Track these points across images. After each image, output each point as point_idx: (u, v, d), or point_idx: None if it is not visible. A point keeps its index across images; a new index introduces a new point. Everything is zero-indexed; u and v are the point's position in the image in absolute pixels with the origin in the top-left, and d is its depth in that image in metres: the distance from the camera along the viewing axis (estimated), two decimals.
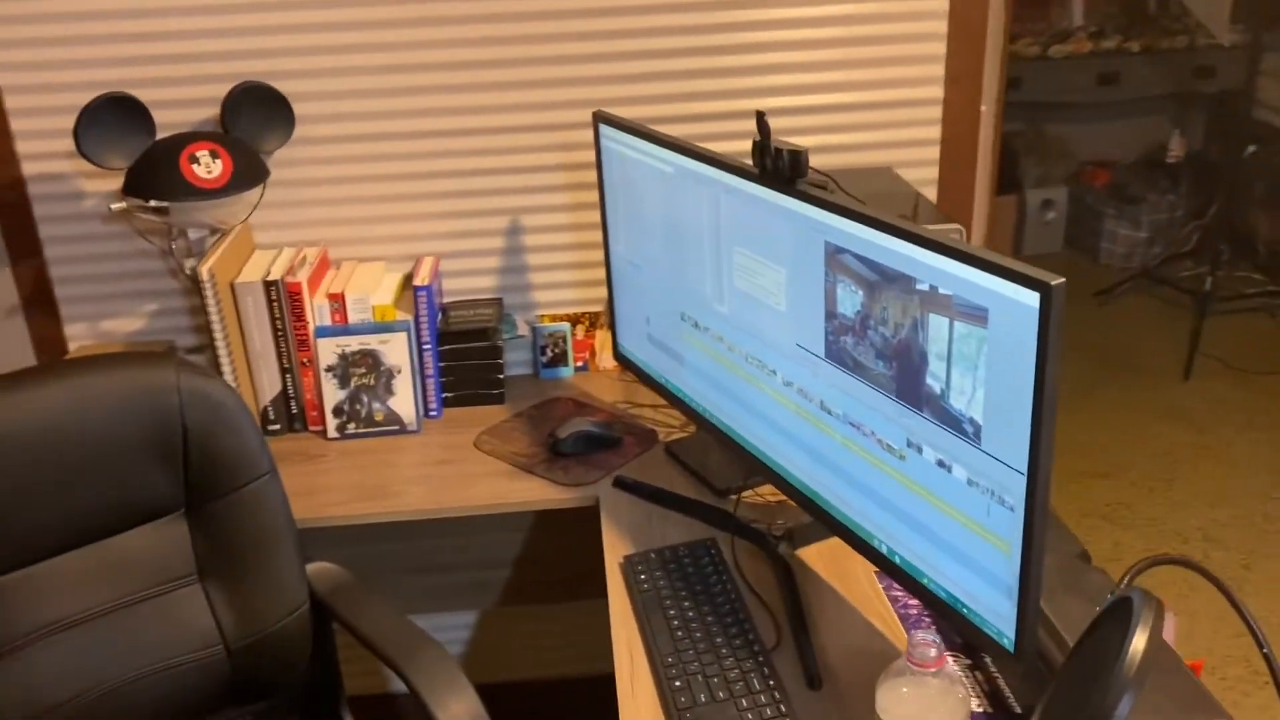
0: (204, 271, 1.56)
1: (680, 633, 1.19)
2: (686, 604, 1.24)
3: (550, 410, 1.76)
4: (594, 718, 2.16)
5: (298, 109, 1.69)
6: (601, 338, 1.88)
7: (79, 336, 1.80)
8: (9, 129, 1.67)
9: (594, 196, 1.80)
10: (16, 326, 1.78)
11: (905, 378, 1.03)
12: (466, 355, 1.75)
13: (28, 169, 1.70)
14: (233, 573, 1.36)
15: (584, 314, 1.87)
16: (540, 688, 2.15)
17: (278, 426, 1.71)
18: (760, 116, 1.11)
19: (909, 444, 1.05)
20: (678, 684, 1.12)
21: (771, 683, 1.11)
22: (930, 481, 1.03)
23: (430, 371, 1.73)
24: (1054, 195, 4.55)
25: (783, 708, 1.08)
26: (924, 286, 0.98)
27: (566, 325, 1.87)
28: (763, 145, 1.13)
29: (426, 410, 1.75)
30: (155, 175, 1.52)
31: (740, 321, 1.30)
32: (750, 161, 1.21)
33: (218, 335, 1.60)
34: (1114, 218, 4.45)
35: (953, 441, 0.99)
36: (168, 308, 1.80)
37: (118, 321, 1.80)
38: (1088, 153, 4.72)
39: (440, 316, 1.78)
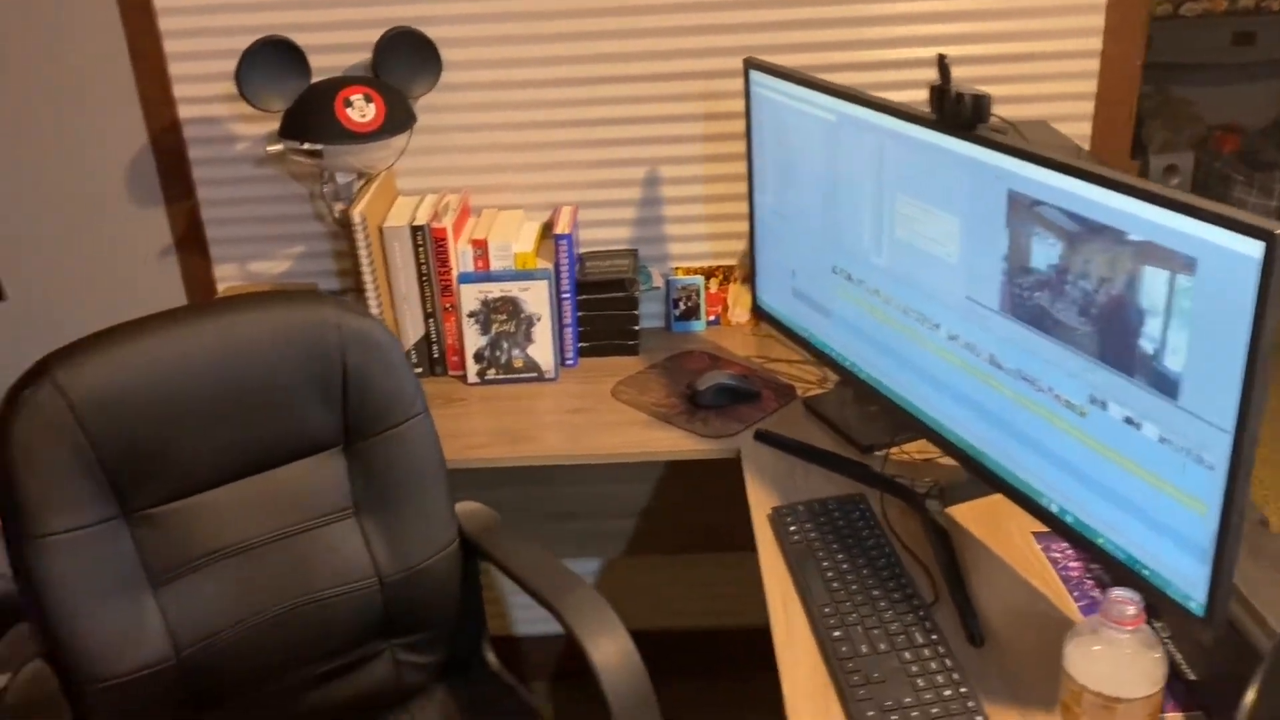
0: (355, 215, 1.59)
1: (835, 584, 1.19)
2: (840, 556, 1.23)
3: (684, 363, 1.75)
4: (724, 668, 2.18)
5: (444, 55, 1.70)
6: (735, 292, 1.87)
7: (227, 277, 1.86)
8: (167, 73, 1.72)
9: (732, 148, 1.78)
10: (169, 266, 1.84)
11: (1107, 333, 1.00)
12: (603, 305, 1.76)
13: (184, 112, 1.75)
14: (387, 508, 1.39)
15: (718, 268, 1.86)
16: (664, 638, 2.17)
17: (420, 370, 1.74)
18: (942, 60, 1.08)
19: (1092, 400, 1.02)
20: (837, 634, 1.12)
21: (934, 637, 1.10)
22: (1114, 439, 1.00)
23: (568, 320, 1.74)
24: (1179, 160, 4.37)
25: (948, 662, 1.07)
26: (1137, 238, 0.94)
27: (700, 279, 1.86)
28: (942, 89, 1.09)
29: (563, 359, 1.76)
30: (310, 118, 1.55)
31: (900, 273, 1.28)
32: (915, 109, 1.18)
33: (367, 278, 1.64)
34: (1243, 185, 4.26)
35: (1146, 398, 0.96)
36: (312, 251, 1.84)
37: (264, 263, 1.85)
38: (1216, 117, 4.51)
39: (577, 266, 1.78)
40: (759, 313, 1.68)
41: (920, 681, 1.05)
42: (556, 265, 1.71)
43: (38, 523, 1.18)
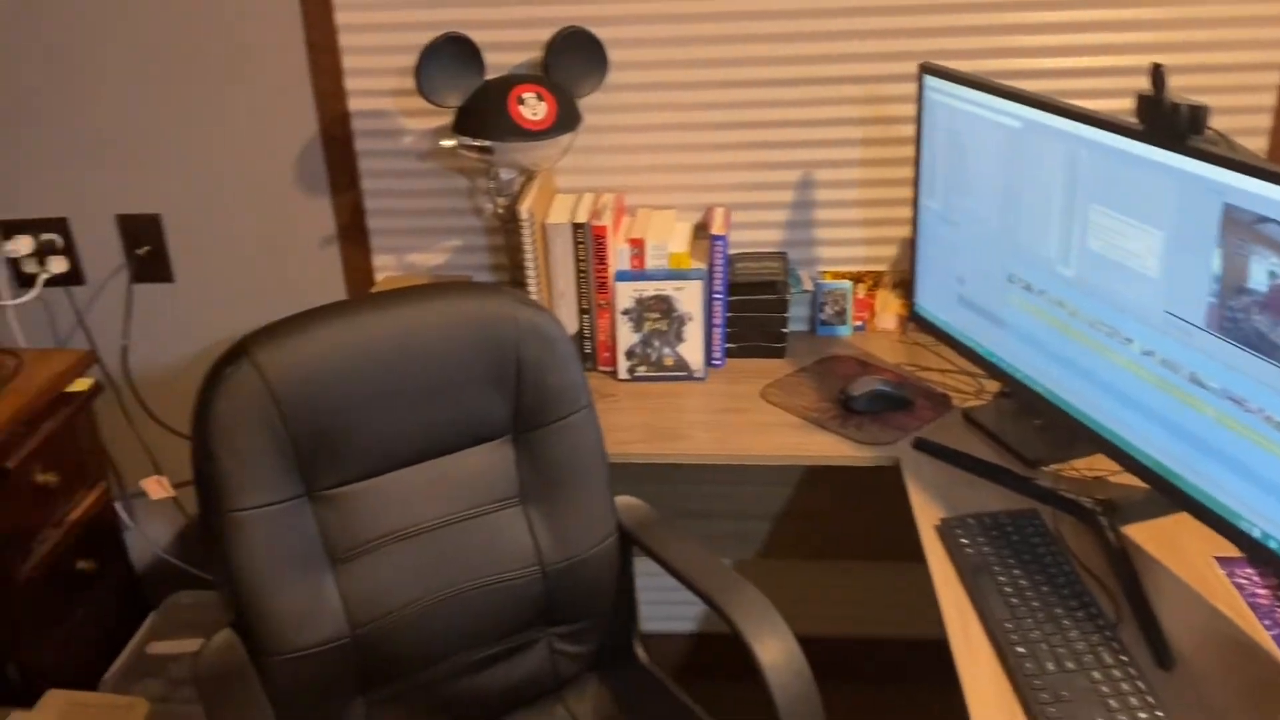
0: (523, 211, 1.62)
1: (1014, 600, 1.17)
2: (1016, 571, 1.21)
3: (833, 368, 1.75)
4: (873, 676, 2.17)
5: (611, 55, 1.72)
6: (883, 298, 1.86)
7: (385, 268, 1.91)
8: (341, 66, 1.77)
9: (889, 152, 1.77)
10: (331, 256, 1.90)
11: None
12: (753, 307, 1.76)
13: (354, 105, 1.80)
14: (551, 498, 1.41)
15: (867, 273, 1.85)
16: (809, 643, 2.16)
17: None
18: (1157, 69, 1.06)
19: None
20: (1020, 650, 1.10)
21: (1124, 658, 1.08)
22: None
23: (717, 321, 1.75)
24: None
25: (1140, 684, 1.04)
26: None
27: (848, 283, 1.85)
28: (1155, 99, 1.07)
29: (710, 358, 1.77)
30: (484, 115, 1.59)
31: (1090, 285, 1.25)
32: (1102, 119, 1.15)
33: (530, 273, 1.67)
34: None
35: None
36: (468, 245, 1.89)
37: (421, 255, 1.90)
38: None
39: (728, 267, 1.79)
40: (917, 319, 1.67)
41: (1113, 703, 1.03)
42: (710, 266, 1.71)
43: (234, 497, 1.23)
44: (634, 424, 1.62)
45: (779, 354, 1.79)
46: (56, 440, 1.70)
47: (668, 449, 1.56)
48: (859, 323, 1.88)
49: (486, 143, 1.58)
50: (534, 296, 1.68)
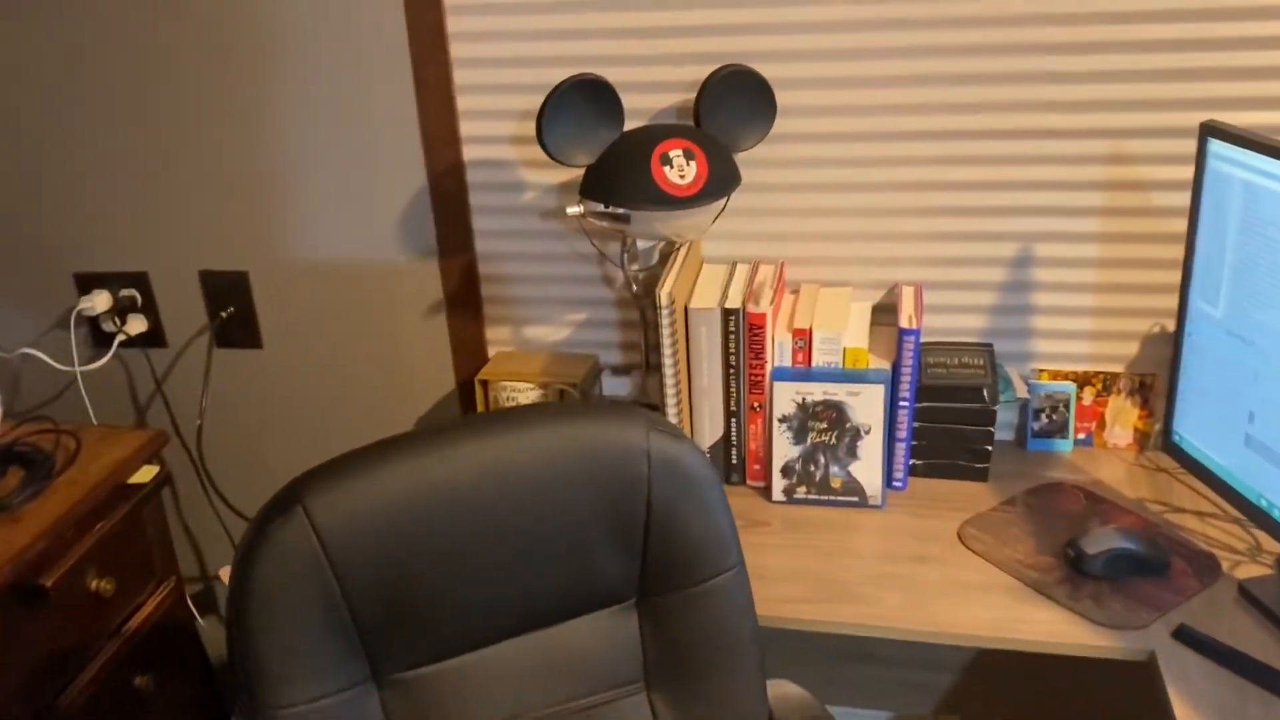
0: (663, 295, 1.30)
1: None
2: None
3: (1054, 501, 1.36)
4: None
5: (780, 100, 1.38)
6: (1116, 407, 1.46)
7: (500, 341, 1.62)
8: (455, 107, 1.49)
9: (1140, 226, 1.37)
10: (438, 325, 1.62)
11: None
12: (949, 417, 1.39)
13: (469, 153, 1.52)
14: (685, 684, 1.09)
15: (1096, 374, 1.45)
16: None
17: None
18: None
19: None
20: None
21: None
22: None
23: (902, 433, 1.39)
24: None
25: None
26: None
27: (1071, 386, 1.46)
28: None
29: (891, 478, 1.41)
30: (620, 176, 1.27)
31: None
32: None
33: (667, 367, 1.34)
34: None
35: None
36: (595, 319, 1.58)
37: (541, 328, 1.60)
38: None
39: (919, 366, 1.42)
40: (1172, 449, 1.27)
41: None
42: (896, 365, 1.36)
43: (279, 691, 0.95)
44: (793, 570, 1.28)
45: (980, 476, 1.42)
46: (114, 540, 1.47)
47: (840, 614, 1.21)
48: (1082, 435, 1.48)
49: (621, 210, 1.27)
50: (668, 393, 1.36)
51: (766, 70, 1.37)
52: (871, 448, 1.36)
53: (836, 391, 1.35)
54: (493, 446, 1.02)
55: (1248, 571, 1.21)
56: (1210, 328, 1.15)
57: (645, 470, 1.04)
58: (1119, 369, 1.46)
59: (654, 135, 1.28)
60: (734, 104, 1.33)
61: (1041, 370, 1.48)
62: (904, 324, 1.34)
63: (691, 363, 1.38)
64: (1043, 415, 1.47)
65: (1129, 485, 1.39)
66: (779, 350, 1.37)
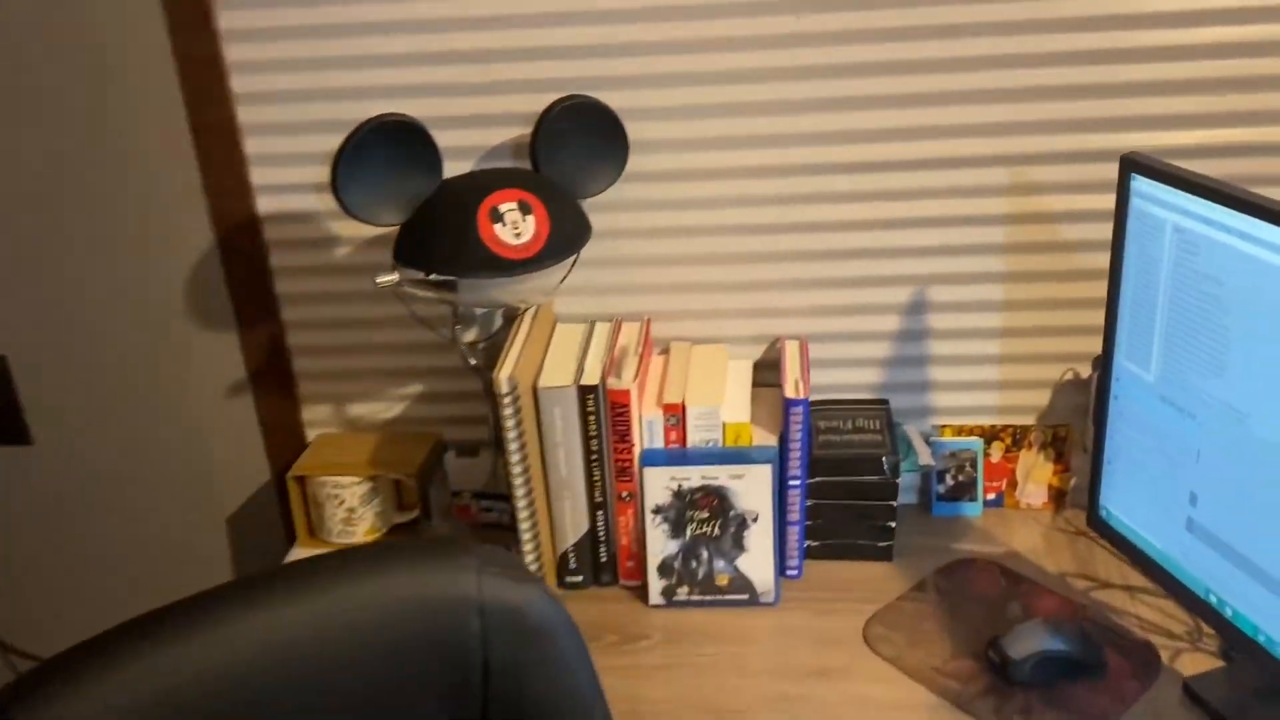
0: (502, 379, 1.07)
1: None
2: None
3: (968, 582, 1.19)
4: None
5: (632, 134, 1.17)
6: (1028, 463, 1.30)
7: (319, 422, 1.37)
8: (242, 153, 1.23)
9: (1048, 263, 1.21)
10: (242, 408, 1.36)
11: None
12: (845, 492, 1.21)
13: (264, 205, 1.26)
14: None
15: (1005, 427, 1.29)
16: None
17: (580, 578, 1.22)
18: None
19: None
20: None
21: None
22: None
23: (794, 516, 1.20)
24: None
25: None
26: None
27: (978, 442, 1.29)
28: None
29: (785, 568, 1.22)
30: (441, 236, 1.04)
31: None
32: None
33: (514, 462, 1.12)
34: None
35: None
36: (434, 391, 1.34)
37: (369, 405, 1.35)
38: None
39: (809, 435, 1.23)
40: (1100, 526, 1.11)
41: None
42: (784, 438, 1.16)
43: None
44: (674, 699, 1.06)
45: (884, 555, 1.24)
46: None
47: None
48: (992, 496, 1.32)
49: (443, 278, 1.04)
50: (517, 488, 1.13)
51: (614, 100, 1.15)
52: (760, 537, 1.16)
53: (717, 475, 1.15)
54: (273, 620, 0.77)
55: (1191, 663, 1.06)
56: (1141, 392, 0.99)
57: (478, 626, 0.82)
58: (1030, 421, 1.30)
59: (480, 185, 1.05)
60: (578, 142, 1.11)
61: (944, 426, 1.31)
62: (789, 392, 1.14)
63: (546, 450, 1.16)
64: (947, 476, 1.30)
65: (1048, 556, 1.23)
66: (648, 430, 1.16)
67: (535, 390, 1.13)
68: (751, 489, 1.15)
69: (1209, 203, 0.86)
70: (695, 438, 1.16)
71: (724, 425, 1.15)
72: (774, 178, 1.20)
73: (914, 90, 1.14)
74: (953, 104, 1.15)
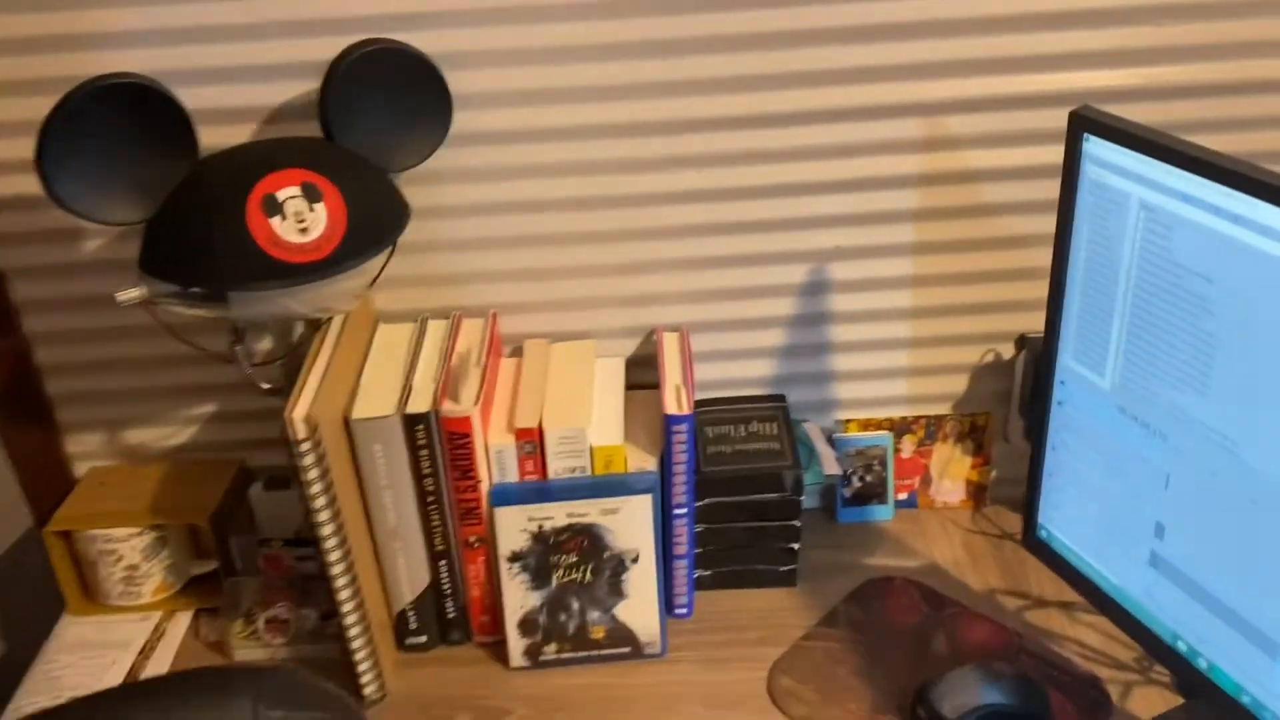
0: (296, 421, 0.82)
1: None
2: None
3: (885, 610, 1.01)
4: None
5: (455, 87, 0.92)
6: (943, 456, 1.13)
7: (89, 454, 1.09)
8: None
9: (961, 230, 1.02)
10: None
11: None
12: (741, 513, 1.01)
13: None
14: None
15: (917, 418, 1.11)
16: None
17: (423, 639, 0.99)
18: None
19: None
20: None
21: None
22: None
23: (682, 549, 1.00)
24: None
25: None
26: None
27: (887, 437, 1.11)
28: None
29: (672, 606, 1.03)
30: (197, 237, 0.78)
31: None
32: None
33: (322, 519, 0.88)
34: None
35: None
36: (232, 409, 1.08)
37: (148, 431, 1.08)
38: None
39: (695, 452, 1.02)
40: (1038, 549, 0.94)
41: None
42: (666, 462, 0.95)
43: None
44: None
45: (787, 581, 1.05)
46: None
47: None
48: (904, 496, 1.15)
49: (206, 290, 0.78)
50: (328, 539, 0.89)
51: (426, 42, 0.89)
52: (641, 580, 0.96)
53: (586, 511, 0.93)
54: None
55: (1144, 700, 0.91)
56: (1093, 401, 0.81)
57: None
58: (945, 410, 1.12)
59: (250, 165, 0.78)
60: (384, 100, 0.86)
61: (849, 420, 1.12)
62: (670, 407, 0.93)
63: (368, 495, 0.92)
64: (854, 477, 1.12)
65: (972, 568, 1.06)
66: (498, 462, 0.93)
67: (348, 423, 0.89)
68: (629, 525, 0.94)
69: (1190, 175, 0.67)
70: (558, 466, 0.94)
71: (592, 450, 0.94)
72: (638, 136, 0.96)
73: (807, 25, 0.92)
74: (854, 42, 0.93)
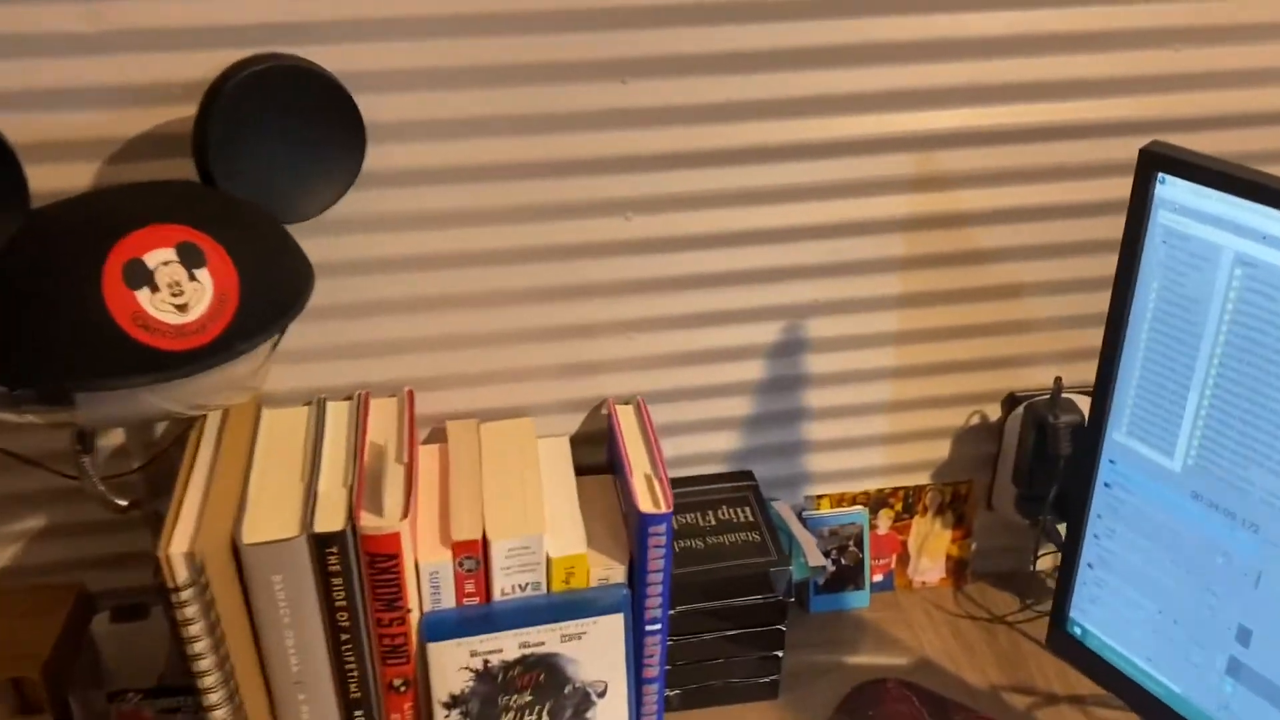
0: (176, 560, 0.61)
1: None
2: None
3: (879, 716, 0.88)
4: None
5: (369, 115, 0.73)
6: (921, 531, 1.00)
7: None
8: None
9: (947, 280, 0.90)
10: None
11: None
12: (718, 622, 0.85)
13: None
14: None
15: (894, 490, 0.98)
16: None
17: None
18: None
19: None
20: None
21: None
22: None
23: (653, 671, 0.83)
24: None
25: None
26: None
27: (863, 514, 0.98)
28: None
29: None
30: (29, 319, 0.57)
31: None
32: None
33: (202, 658, 0.67)
34: None
35: None
36: (69, 521, 0.85)
37: None
38: None
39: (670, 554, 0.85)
40: (1066, 645, 0.82)
41: None
42: (638, 567, 0.78)
43: None
44: None
45: (769, 694, 0.90)
46: None
47: None
48: (879, 577, 1.01)
49: (37, 392, 0.57)
50: (211, 688, 0.69)
51: (328, 58, 0.71)
52: (612, 713, 0.79)
53: (543, 639, 0.75)
54: None
55: None
56: (1157, 485, 0.69)
57: None
58: (924, 479, 0.99)
59: (102, 221, 0.57)
60: (278, 131, 0.66)
61: (821, 496, 0.99)
62: (645, 504, 0.76)
63: (263, 637, 0.71)
64: (828, 561, 0.99)
65: (967, 660, 0.94)
66: (430, 586, 0.74)
67: (236, 549, 0.68)
68: (595, 651, 0.77)
69: None
70: (505, 584, 0.76)
71: (550, 561, 0.76)
72: (581, 175, 0.80)
73: (771, 45, 0.78)
74: (837, 66, 0.80)
